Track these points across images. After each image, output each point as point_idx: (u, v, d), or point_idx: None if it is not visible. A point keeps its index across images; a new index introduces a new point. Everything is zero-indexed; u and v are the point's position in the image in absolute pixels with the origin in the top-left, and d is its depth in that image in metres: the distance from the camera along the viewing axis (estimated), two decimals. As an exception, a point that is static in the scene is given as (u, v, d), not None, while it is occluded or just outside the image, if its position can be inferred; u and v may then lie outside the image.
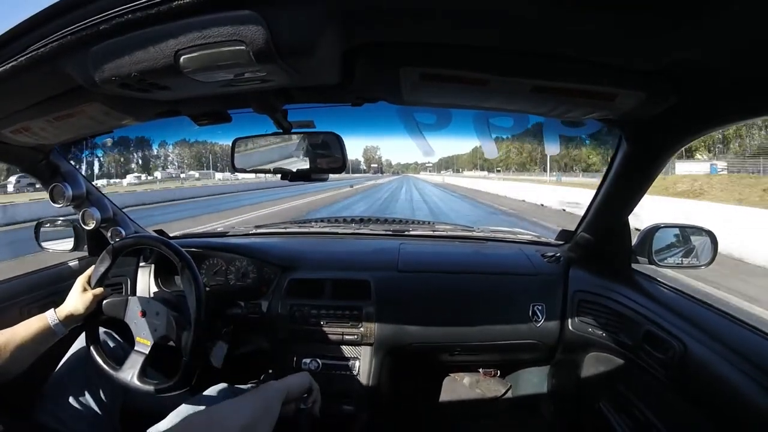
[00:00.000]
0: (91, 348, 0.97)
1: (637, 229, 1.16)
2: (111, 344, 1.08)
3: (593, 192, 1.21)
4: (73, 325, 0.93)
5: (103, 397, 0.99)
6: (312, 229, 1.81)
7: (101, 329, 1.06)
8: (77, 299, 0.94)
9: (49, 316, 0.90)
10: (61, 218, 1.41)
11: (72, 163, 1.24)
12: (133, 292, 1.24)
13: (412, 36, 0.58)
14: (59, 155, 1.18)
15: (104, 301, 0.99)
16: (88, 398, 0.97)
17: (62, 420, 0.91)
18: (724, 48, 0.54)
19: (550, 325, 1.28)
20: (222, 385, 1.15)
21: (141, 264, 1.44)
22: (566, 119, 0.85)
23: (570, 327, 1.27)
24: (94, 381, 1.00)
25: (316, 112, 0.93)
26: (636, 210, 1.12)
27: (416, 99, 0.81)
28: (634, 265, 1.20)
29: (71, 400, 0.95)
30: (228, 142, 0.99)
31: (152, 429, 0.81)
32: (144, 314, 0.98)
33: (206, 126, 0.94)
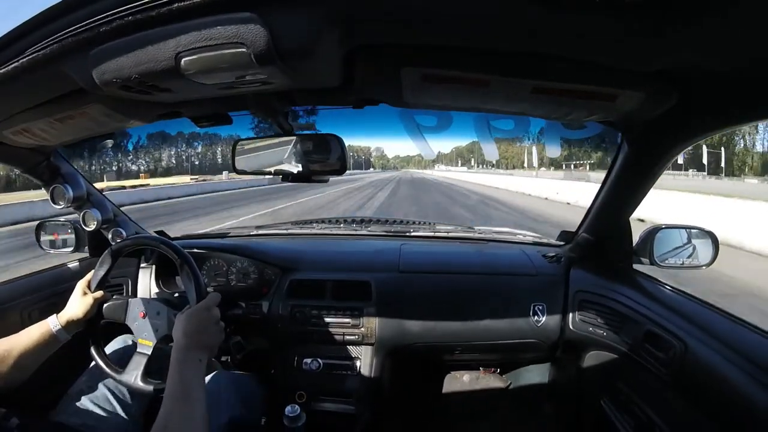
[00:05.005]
0: (94, 351, 0.97)
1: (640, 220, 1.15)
2: (115, 346, 1.08)
3: None
4: (75, 330, 0.93)
5: (128, 399, 0.99)
6: (313, 230, 1.81)
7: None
8: (77, 304, 0.94)
9: (51, 322, 0.89)
10: (62, 219, 1.42)
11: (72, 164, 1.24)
12: (134, 294, 1.24)
13: (413, 38, 0.57)
14: (60, 156, 1.19)
15: (104, 305, 0.99)
16: (112, 400, 0.97)
17: (85, 420, 0.91)
18: (725, 49, 0.54)
19: (550, 324, 1.29)
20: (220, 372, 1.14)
21: (142, 265, 1.44)
22: (567, 121, 0.85)
23: (571, 326, 1.27)
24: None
25: (317, 113, 0.92)
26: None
27: (417, 101, 0.81)
28: (635, 266, 1.20)
29: (95, 400, 0.95)
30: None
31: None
32: (145, 315, 0.98)
33: (207, 128, 0.94)
